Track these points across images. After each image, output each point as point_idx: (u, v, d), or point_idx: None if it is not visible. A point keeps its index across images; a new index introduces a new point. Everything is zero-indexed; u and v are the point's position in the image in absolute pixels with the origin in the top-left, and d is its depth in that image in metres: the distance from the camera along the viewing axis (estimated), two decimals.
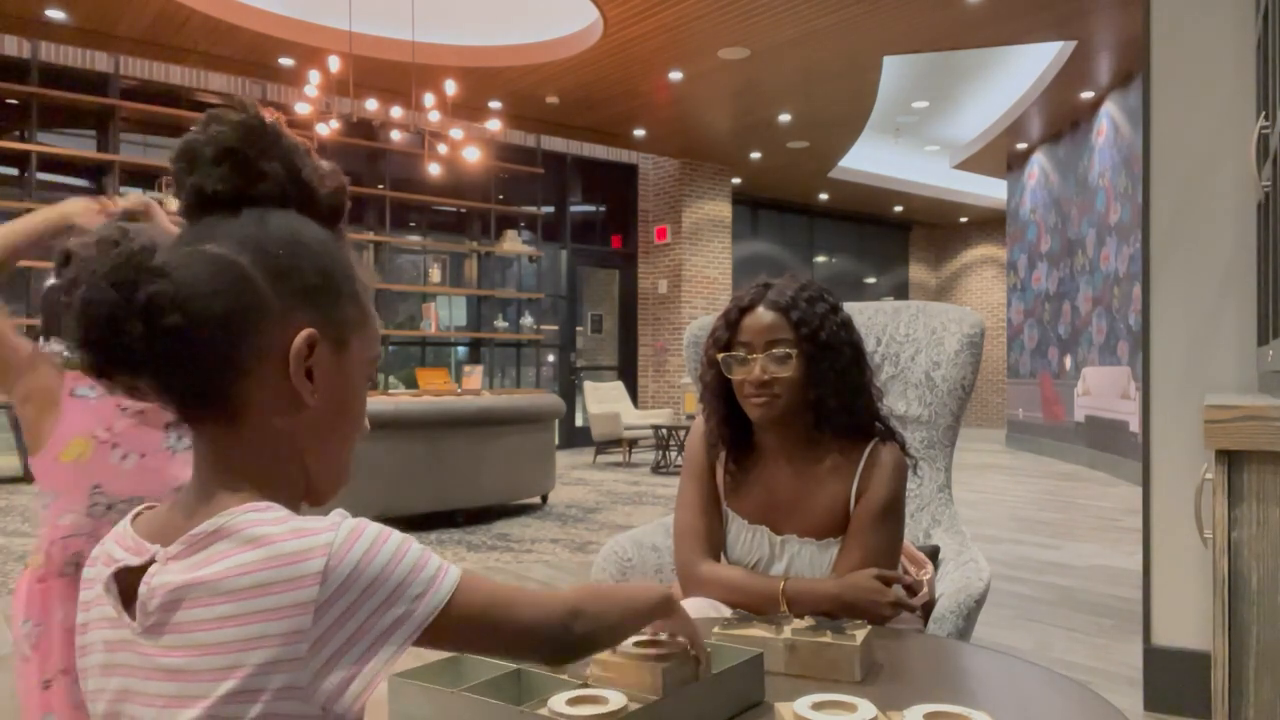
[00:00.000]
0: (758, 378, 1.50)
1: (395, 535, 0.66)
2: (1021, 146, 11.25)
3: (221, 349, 0.66)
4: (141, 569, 0.66)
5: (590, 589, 0.84)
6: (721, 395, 1.59)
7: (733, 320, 1.56)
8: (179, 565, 0.64)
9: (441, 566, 0.67)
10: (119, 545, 0.70)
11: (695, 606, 1.55)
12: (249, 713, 0.61)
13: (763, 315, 1.53)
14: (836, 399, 1.52)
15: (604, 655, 1.05)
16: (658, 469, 8.87)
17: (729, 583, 1.56)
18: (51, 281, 1.52)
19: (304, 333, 0.68)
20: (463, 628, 0.68)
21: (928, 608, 1.68)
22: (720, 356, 1.55)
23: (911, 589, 1.47)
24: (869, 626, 1.25)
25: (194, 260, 0.65)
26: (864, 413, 1.56)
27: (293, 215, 0.70)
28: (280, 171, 0.70)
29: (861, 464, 1.55)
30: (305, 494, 0.73)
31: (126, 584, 0.67)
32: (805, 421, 1.55)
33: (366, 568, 0.62)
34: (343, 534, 0.63)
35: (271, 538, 0.62)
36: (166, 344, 0.64)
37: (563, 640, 0.75)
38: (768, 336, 1.52)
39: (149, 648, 0.64)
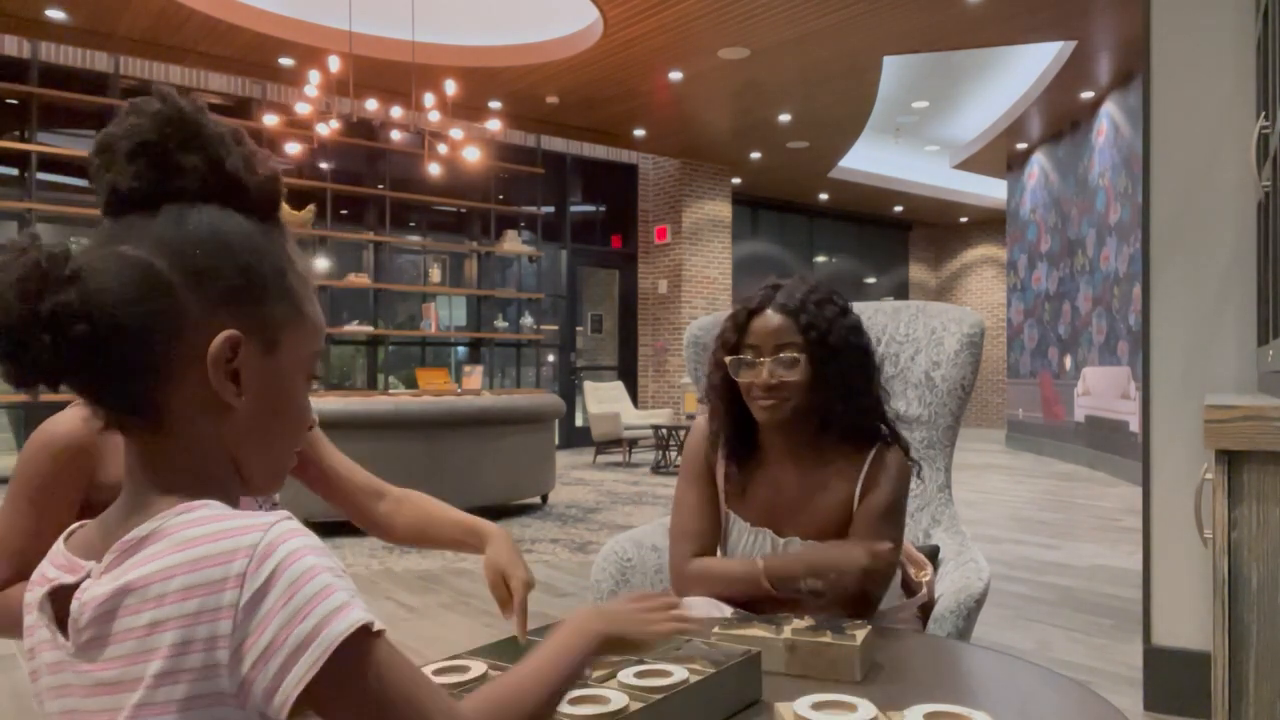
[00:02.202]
0: (765, 381, 1.50)
1: (311, 557, 0.61)
2: (1021, 146, 11.25)
3: (137, 356, 0.63)
4: (74, 586, 0.64)
5: (493, 697, 0.72)
6: (728, 397, 1.58)
7: (741, 322, 1.55)
8: (110, 575, 0.61)
9: (346, 605, 0.61)
10: (52, 564, 0.67)
11: (697, 606, 1.55)
12: None
13: (771, 318, 1.52)
14: (844, 403, 1.51)
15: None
16: (658, 469, 8.87)
17: (713, 574, 1.58)
18: None
19: (222, 335, 0.65)
20: (362, 688, 0.61)
21: (927, 608, 1.68)
22: (728, 359, 1.54)
23: (910, 588, 1.47)
24: (869, 626, 1.25)
25: (108, 264, 0.63)
26: (870, 416, 1.56)
27: (215, 211, 0.66)
28: (200, 164, 0.66)
29: (866, 467, 1.55)
30: (244, 489, 0.71)
31: (61, 603, 0.64)
32: (811, 425, 1.55)
33: (285, 571, 0.59)
34: (270, 536, 0.60)
35: (199, 538, 0.60)
36: (77, 354, 0.61)
37: None
38: (776, 340, 1.51)
39: (85, 665, 0.62)
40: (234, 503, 0.69)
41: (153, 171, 0.65)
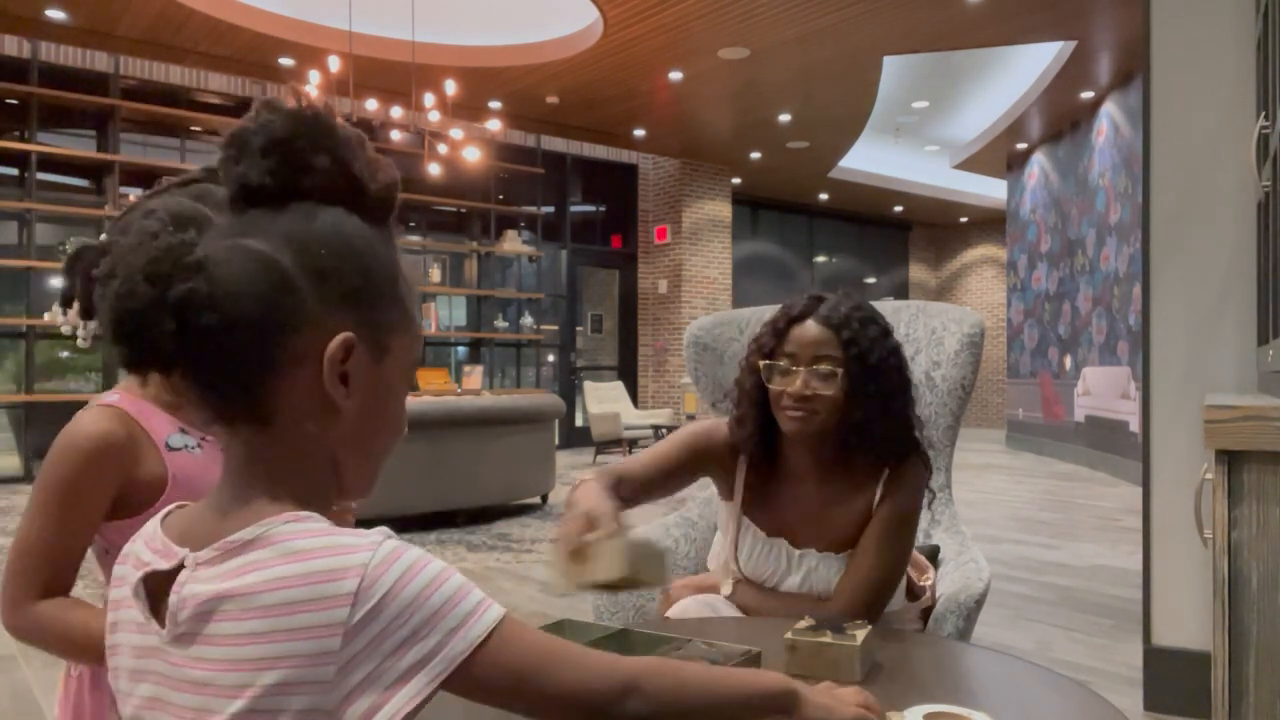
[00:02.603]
0: (799, 391, 1.47)
1: (435, 563, 0.62)
2: (1021, 146, 11.25)
3: (256, 350, 0.63)
4: (170, 574, 0.64)
5: (665, 664, 0.73)
6: (757, 403, 1.55)
7: (780, 329, 1.52)
8: (210, 572, 0.62)
9: (481, 602, 0.63)
10: (148, 547, 0.68)
11: (691, 608, 1.55)
12: None
13: (811, 329, 1.49)
14: (877, 424, 1.48)
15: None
16: None
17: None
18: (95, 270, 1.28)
19: (340, 337, 0.65)
20: (496, 675, 0.63)
21: (927, 610, 1.68)
22: (763, 364, 1.51)
23: (913, 593, 1.47)
24: (869, 626, 1.25)
25: (234, 256, 0.63)
26: (899, 438, 1.53)
27: (340, 213, 0.67)
28: (329, 165, 0.66)
29: (883, 480, 1.53)
30: (343, 491, 0.71)
31: (155, 588, 0.65)
32: (838, 441, 1.52)
33: (400, 593, 0.59)
34: (380, 555, 0.60)
35: (308, 552, 0.60)
36: (199, 342, 0.62)
37: (607, 716, 0.67)
38: (815, 351, 1.48)
39: (177, 657, 0.63)
40: (328, 506, 0.69)
41: (284, 168, 0.65)
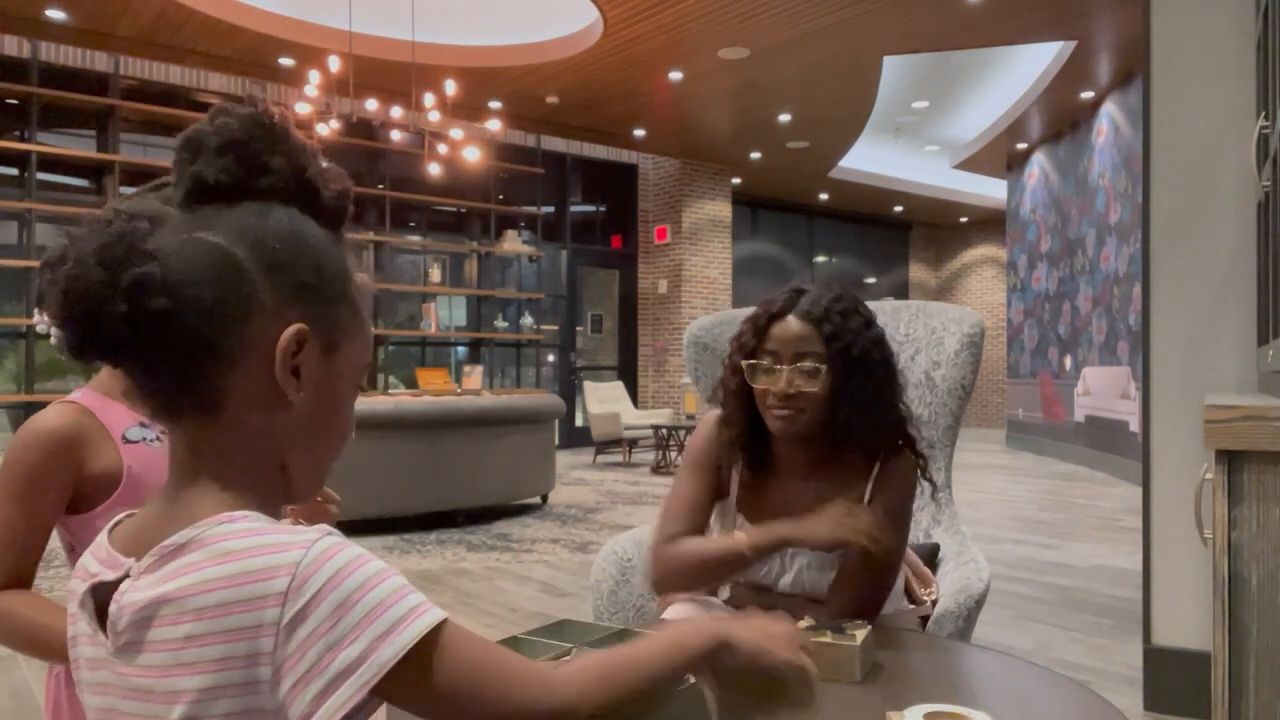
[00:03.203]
0: (782, 390, 1.44)
1: (373, 563, 0.60)
2: (1021, 146, 11.25)
3: (207, 337, 0.63)
4: (115, 583, 0.64)
5: (602, 666, 0.71)
6: (743, 403, 1.53)
7: (761, 327, 1.49)
8: (148, 579, 0.61)
9: (416, 608, 0.60)
10: (95, 558, 0.67)
11: (689, 608, 1.54)
12: None
13: (793, 325, 1.46)
14: (865, 419, 1.45)
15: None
16: (658, 469, 8.87)
17: (689, 552, 1.49)
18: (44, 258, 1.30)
19: (293, 327, 0.65)
20: (426, 688, 0.60)
21: (926, 617, 1.67)
22: (745, 364, 1.49)
23: (913, 598, 1.46)
24: (869, 626, 1.25)
25: (188, 247, 0.64)
26: (889, 432, 1.51)
27: (293, 212, 0.68)
28: (284, 167, 0.68)
29: (875, 474, 1.52)
30: (289, 489, 0.71)
31: (103, 600, 0.65)
32: (826, 438, 1.49)
33: (330, 592, 0.57)
34: (313, 554, 0.58)
35: (239, 553, 0.59)
36: (150, 327, 0.62)
37: None
38: (797, 348, 1.45)
39: (122, 666, 0.62)
40: (274, 508, 0.68)
41: (239, 167, 0.66)
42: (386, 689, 0.59)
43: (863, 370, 1.45)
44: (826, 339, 1.44)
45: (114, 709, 0.64)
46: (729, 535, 1.49)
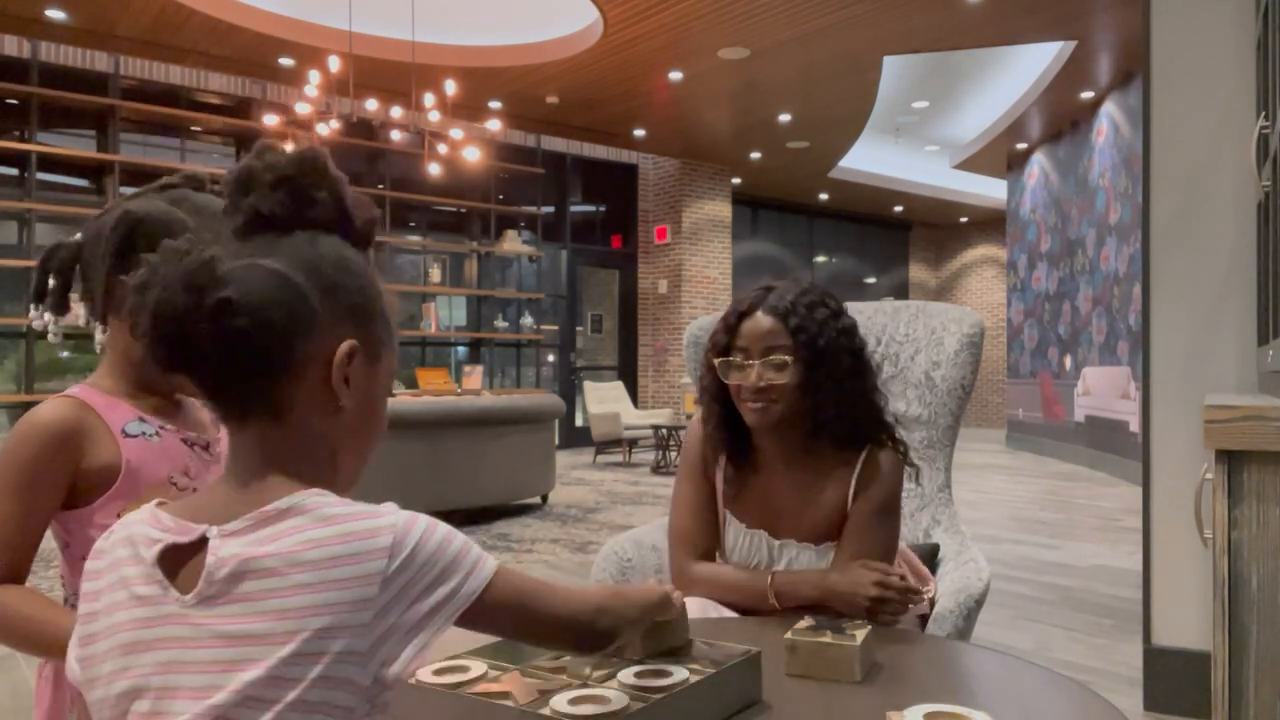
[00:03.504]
0: (754, 384, 1.49)
1: (443, 524, 0.74)
2: (1021, 146, 11.25)
3: (277, 352, 0.73)
4: (188, 547, 0.71)
5: (610, 589, 0.96)
6: (720, 400, 1.58)
7: (731, 325, 1.55)
8: (244, 540, 0.69)
9: (482, 555, 0.76)
10: (154, 528, 0.74)
11: (691, 607, 1.55)
12: (309, 674, 0.66)
13: (761, 321, 1.52)
14: (834, 407, 1.50)
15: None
16: (658, 469, 8.87)
17: (720, 580, 1.57)
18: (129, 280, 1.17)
19: (347, 343, 0.76)
20: (499, 611, 0.76)
21: (925, 617, 1.67)
22: (717, 361, 1.54)
23: (903, 592, 1.47)
24: (869, 626, 1.25)
25: (255, 273, 0.73)
26: (864, 420, 1.54)
27: (336, 240, 0.78)
28: (328, 200, 0.77)
29: (858, 468, 1.54)
30: (332, 488, 0.78)
31: (171, 561, 0.72)
32: (803, 428, 1.53)
33: (425, 545, 0.71)
34: (404, 518, 0.71)
35: (341, 517, 0.70)
36: (231, 343, 0.71)
37: (588, 633, 0.85)
38: (765, 343, 1.50)
39: (203, 617, 0.69)
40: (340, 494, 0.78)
41: (292, 200, 0.76)
42: (472, 614, 0.74)
43: (830, 359, 1.49)
44: (793, 331, 1.49)
45: (178, 660, 0.69)
46: (759, 573, 1.55)
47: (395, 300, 0.85)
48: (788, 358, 1.48)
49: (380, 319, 0.80)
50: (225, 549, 0.69)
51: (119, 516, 0.99)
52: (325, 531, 0.69)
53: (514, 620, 0.79)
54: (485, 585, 0.74)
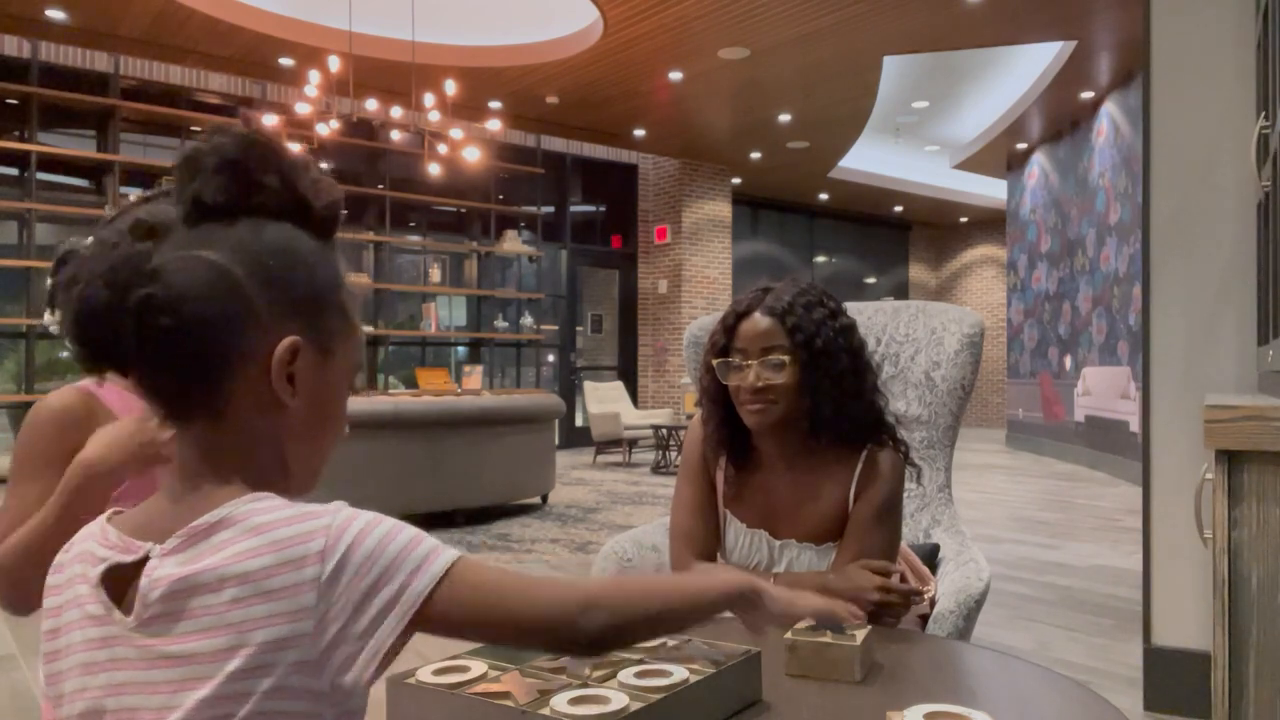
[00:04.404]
0: (752, 384, 1.49)
1: (389, 520, 0.68)
2: (1021, 146, 11.25)
3: (209, 351, 0.69)
4: (132, 565, 0.68)
5: (623, 581, 0.83)
6: (719, 401, 1.58)
7: (729, 326, 1.55)
8: (180, 558, 0.66)
9: (436, 548, 0.68)
10: (101, 544, 0.71)
11: None
12: (259, 687, 0.63)
13: (759, 321, 1.52)
14: (832, 406, 1.50)
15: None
16: (658, 469, 8.87)
17: None
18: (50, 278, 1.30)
19: (286, 341, 0.71)
20: (459, 607, 0.68)
21: (925, 617, 1.68)
22: (716, 362, 1.54)
23: (905, 594, 1.47)
24: (869, 626, 1.25)
25: (189, 265, 0.68)
26: (863, 419, 1.54)
27: (286, 228, 0.73)
28: (277, 184, 0.72)
29: (859, 468, 1.54)
30: (290, 485, 0.75)
31: (113, 581, 0.69)
32: (802, 428, 1.53)
33: (361, 544, 0.65)
34: (339, 517, 0.66)
35: (272, 524, 0.65)
36: (157, 343, 0.67)
37: (569, 633, 0.72)
38: (763, 343, 1.50)
39: (147, 639, 0.66)
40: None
41: (236, 186, 0.71)
42: (424, 617, 0.66)
43: (827, 359, 1.49)
44: (790, 331, 1.49)
45: (131, 681, 0.67)
46: (761, 574, 1.54)
47: (362, 285, 0.77)
48: (785, 358, 1.48)
49: (334, 311, 0.75)
50: (160, 569, 0.66)
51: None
52: (255, 541, 0.65)
53: (476, 620, 0.69)
54: (435, 582, 0.67)
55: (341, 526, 0.66)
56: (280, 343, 0.71)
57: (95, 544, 0.71)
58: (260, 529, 0.65)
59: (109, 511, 0.75)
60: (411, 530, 0.69)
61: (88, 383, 1.22)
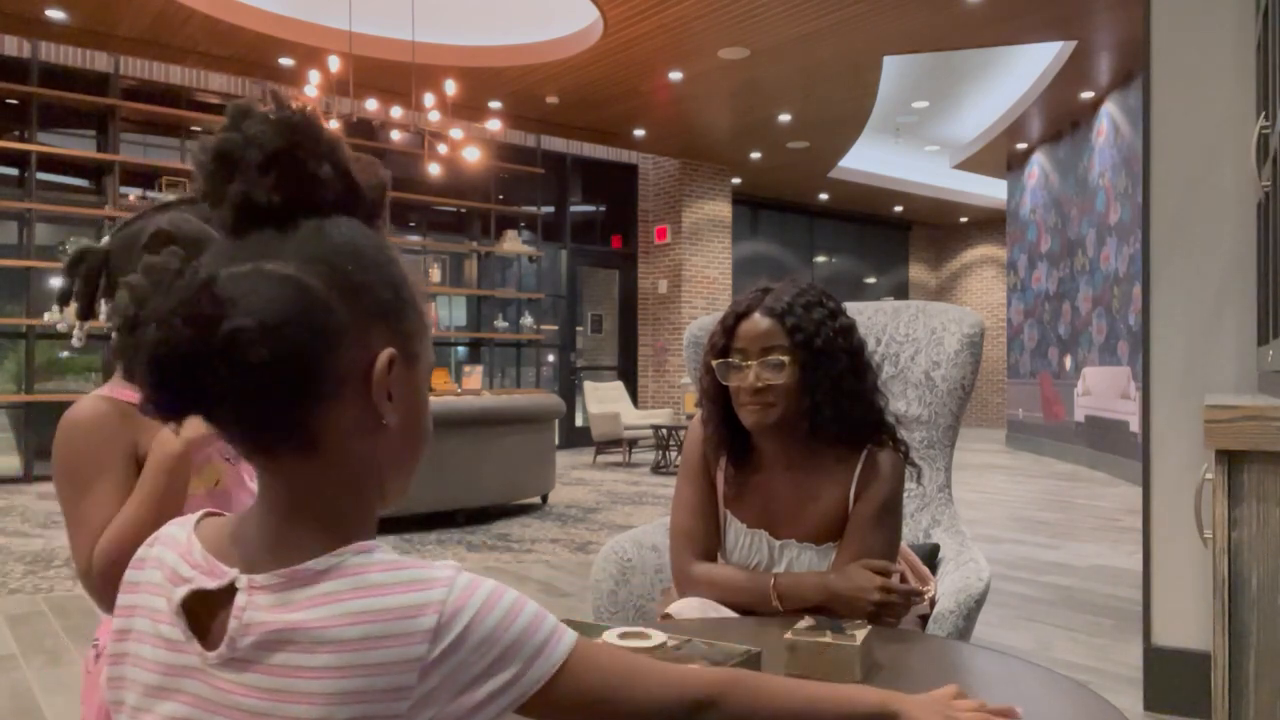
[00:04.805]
0: (751, 384, 1.49)
1: (510, 593, 0.62)
2: (1021, 146, 11.25)
3: (304, 378, 0.61)
4: (215, 594, 0.62)
5: (748, 676, 0.74)
6: (719, 401, 1.57)
7: (729, 326, 1.55)
8: (271, 599, 0.60)
9: (556, 630, 0.63)
10: (185, 561, 0.65)
11: (691, 606, 1.55)
12: None
13: (759, 322, 1.51)
14: (832, 407, 1.49)
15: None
16: (658, 469, 8.87)
17: (723, 581, 1.57)
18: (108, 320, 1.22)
19: (386, 353, 0.63)
20: (572, 699, 0.63)
21: (925, 617, 1.68)
22: (715, 363, 1.54)
23: (906, 595, 1.47)
24: (869, 626, 1.25)
25: (262, 285, 0.60)
26: (862, 419, 1.54)
27: (347, 223, 0.64)
28: (332, 174, 0.63)
29: (859, 468, 1.55)
30: (386, 501, 0.70)
31: (194, 606, 0.63)
32: (802, 428, 1.53)
33: (478, 626, 0.60)
34: (457, 590, 0.60)
35: (384, 587, 0.59)
36: (250, 380, 0.59)
37: None
38: (763, 343, 1.50)
39: (225, 682, 0.60)
40: (375, 525, 0.68)
41: (291, 183, 0.62)
42: (534, 705, 0.62)
43: (827, 359, 1.49)
44: (789, 331, 1.49)
45: (194, 719, 0.62)
46: (761, 574, 1.55)
47: (420, 278, 0.70)
48: (785, 358, 1.48)
49: (411, 309, 0.67)
50: (251, 612, 0.60)
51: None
52: (362, 604, 0.58)
53: (589, 710, 0.65)
54: (555, 670, 0.62)
55: (459, 603, 0.59)
56: (378, 356, 0.63)
57: (179, 558, 0.65)
58: (372, 590, 0.59)
59: (199, 514, 0.69)
60: (532, 608, 0.63)
61: (104, 389, 1.21)
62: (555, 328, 11.29)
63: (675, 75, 8.26)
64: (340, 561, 0.60)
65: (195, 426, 1.03)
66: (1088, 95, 9.10)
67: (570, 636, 0.64)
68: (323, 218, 0.63)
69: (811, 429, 1.52)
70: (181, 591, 0.63)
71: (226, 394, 0.59)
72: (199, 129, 8.54)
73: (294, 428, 0.62)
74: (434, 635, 0.58)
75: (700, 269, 11.80)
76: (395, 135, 8.04)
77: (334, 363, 0.62)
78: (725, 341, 1.54)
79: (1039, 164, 11.09)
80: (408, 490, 0.72)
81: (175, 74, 8.39)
